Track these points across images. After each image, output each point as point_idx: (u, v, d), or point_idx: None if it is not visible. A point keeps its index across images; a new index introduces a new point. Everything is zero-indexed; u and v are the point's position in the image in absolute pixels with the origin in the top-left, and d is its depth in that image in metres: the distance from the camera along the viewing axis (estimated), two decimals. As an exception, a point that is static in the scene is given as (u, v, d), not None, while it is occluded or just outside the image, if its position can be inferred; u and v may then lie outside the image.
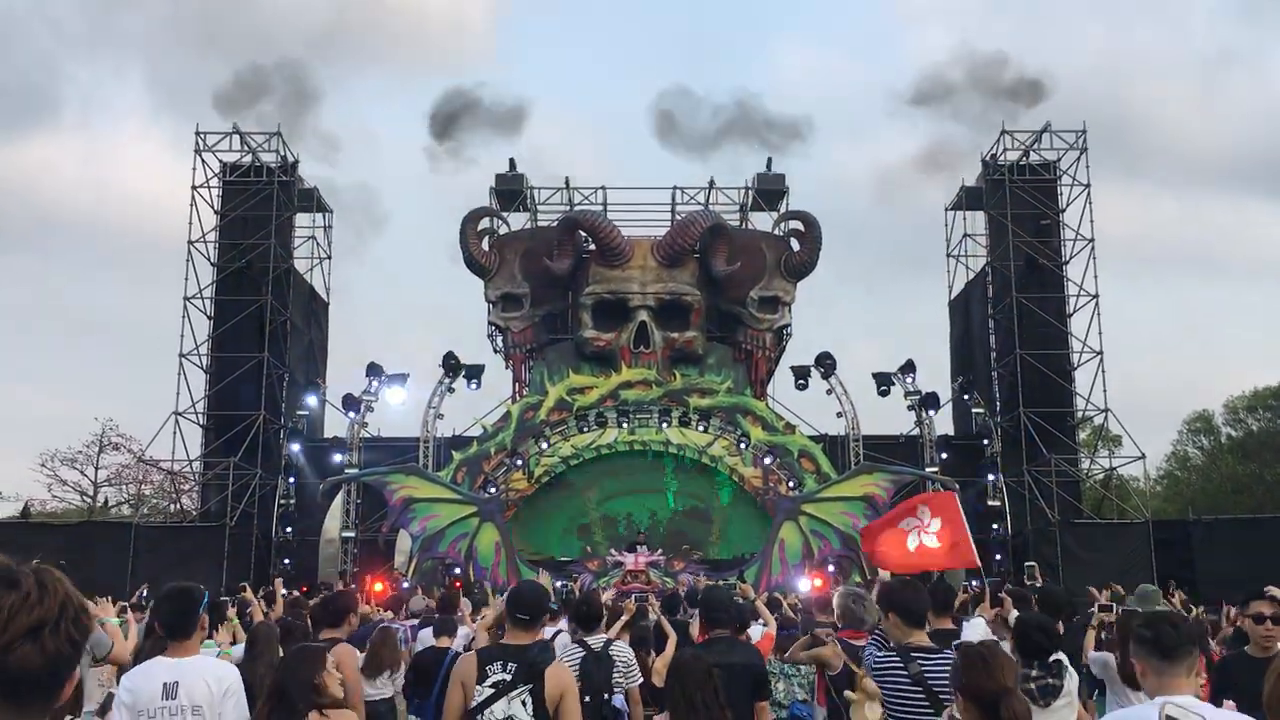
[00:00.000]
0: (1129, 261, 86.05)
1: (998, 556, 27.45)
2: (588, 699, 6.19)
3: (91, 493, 43.53)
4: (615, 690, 6.47)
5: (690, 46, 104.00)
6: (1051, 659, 5.24)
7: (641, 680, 6.87)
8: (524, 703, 4.74)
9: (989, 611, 8.22)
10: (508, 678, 4.74)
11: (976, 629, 7.10)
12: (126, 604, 11.47)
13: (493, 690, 4.73)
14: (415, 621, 11.39)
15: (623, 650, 6.82)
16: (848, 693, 5.71)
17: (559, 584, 22.37)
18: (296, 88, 35.21)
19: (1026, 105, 34.28)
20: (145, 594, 14.58)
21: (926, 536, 10.56)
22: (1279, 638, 5.25)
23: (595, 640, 6.67)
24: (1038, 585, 16.42)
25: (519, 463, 27.08)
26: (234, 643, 7.35)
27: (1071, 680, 5.22)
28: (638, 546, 24.78)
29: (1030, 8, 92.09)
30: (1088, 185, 30.75)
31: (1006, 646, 5.17)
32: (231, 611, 8.51)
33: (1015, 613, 7.31)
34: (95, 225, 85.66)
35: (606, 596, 9.82)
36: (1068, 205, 31.33)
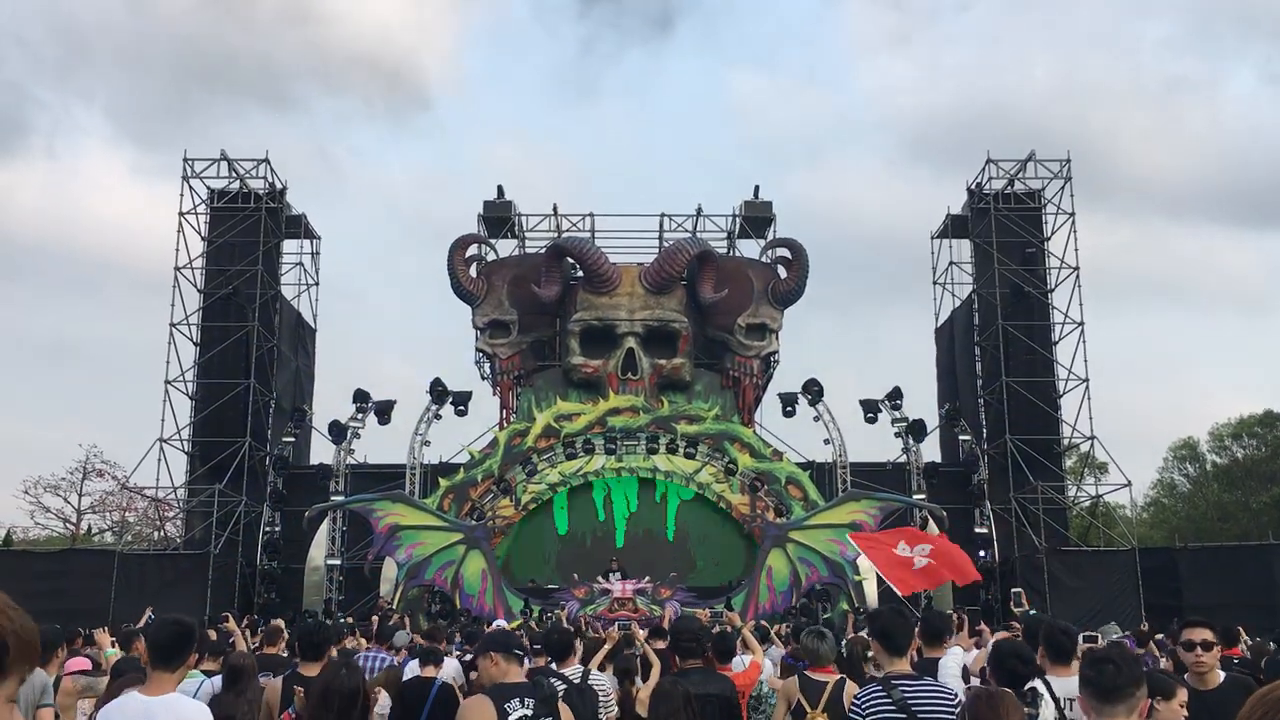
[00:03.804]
0: (1109, 289, 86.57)
1: (984, 584, 27.43)
2: None
3: (75, 520, 43.23)
4: None
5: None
6: (1027, 687, 5.22)
7: (616, 712, 6.80)
8: None
9: (966, 641, 8.19)
10: (529, 713, 4.78)
11: (955, 657, 7.08)
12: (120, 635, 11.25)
13: None
14: (400, 655, 11.04)
15: (603, 682, 6.73)
16: None
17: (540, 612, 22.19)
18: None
19: None
20: (152, 617, 14.18)
21: (922, 560, 11.03)
22: (1210, 665, 5.11)
23: (570, 671, 6.56)
24: (1029, 612, 16.47)
25: (506, 490, 26.97)
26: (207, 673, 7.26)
27: (1048, 708, 5.19)
28: (610, 574, 24.69)
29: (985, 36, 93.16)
30: (1072, 214, 30.99)
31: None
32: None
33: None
34: (77, 252, 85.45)
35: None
36: (1053, 233, 31.55)
